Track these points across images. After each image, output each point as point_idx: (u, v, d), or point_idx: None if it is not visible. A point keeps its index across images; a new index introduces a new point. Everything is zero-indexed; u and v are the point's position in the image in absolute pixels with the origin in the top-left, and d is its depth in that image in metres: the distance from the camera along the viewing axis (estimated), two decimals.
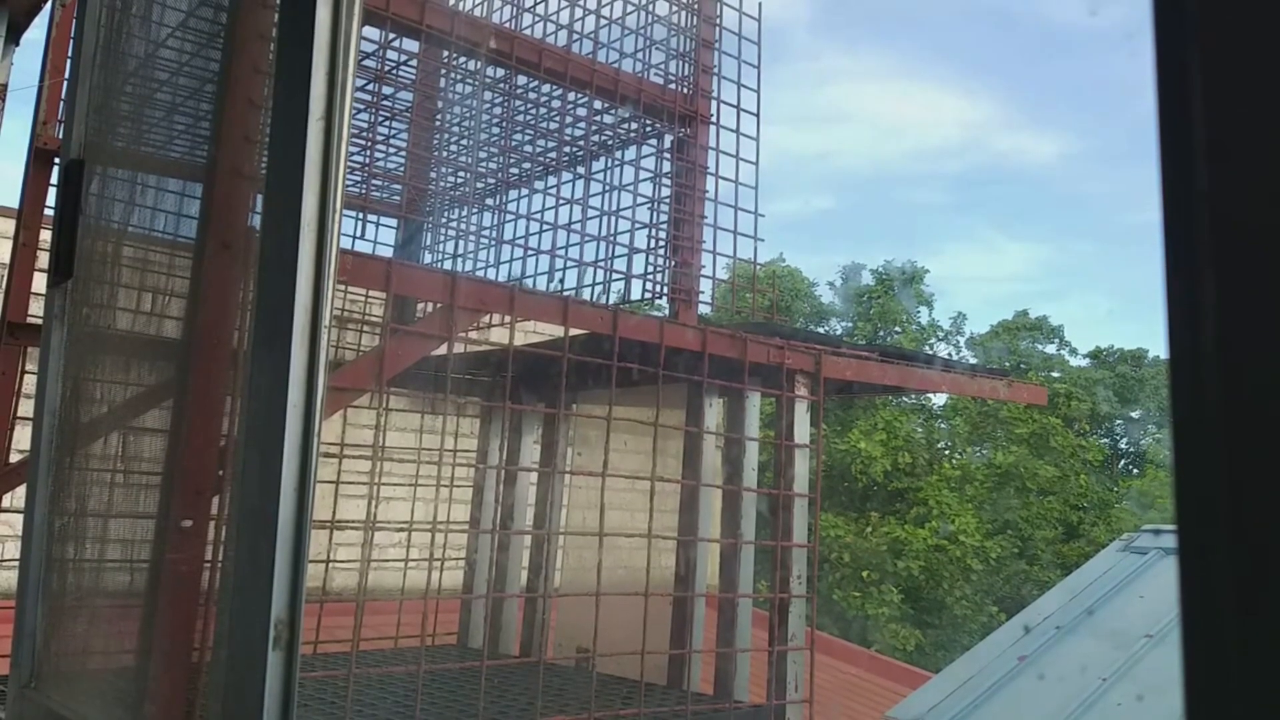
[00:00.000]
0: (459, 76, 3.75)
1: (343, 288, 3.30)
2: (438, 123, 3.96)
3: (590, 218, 3.36)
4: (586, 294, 3.32)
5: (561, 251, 3.34)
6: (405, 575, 3.32)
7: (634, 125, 3.56)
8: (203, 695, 1.53)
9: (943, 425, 25.41)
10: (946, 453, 24.75)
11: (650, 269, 3.40)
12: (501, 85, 3.59)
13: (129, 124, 2.19)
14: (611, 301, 3.33)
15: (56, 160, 3.33)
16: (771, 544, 3.31)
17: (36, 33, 3.59)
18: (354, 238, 3.78)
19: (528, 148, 3.86)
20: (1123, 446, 28.24)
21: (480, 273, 3.75)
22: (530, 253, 3.49)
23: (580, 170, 3.51)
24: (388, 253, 4.23)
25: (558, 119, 3.68)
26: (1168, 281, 0.49)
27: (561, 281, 3.44)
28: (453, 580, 4.12)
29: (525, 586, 4.12)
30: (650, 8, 3.52)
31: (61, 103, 3.57)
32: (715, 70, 3.53)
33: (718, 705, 3.18)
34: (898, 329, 25.83)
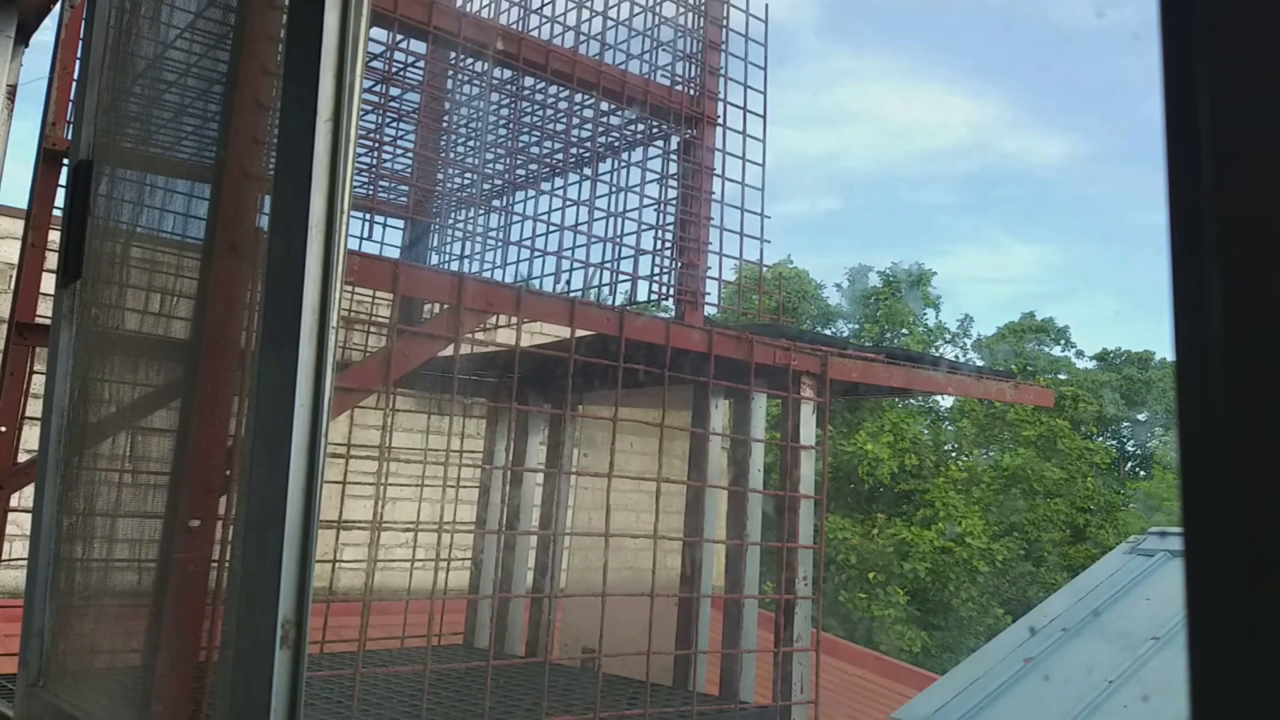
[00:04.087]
0: (466, 78, 3.76)
1: (350, 288, 3.30)
2: (445, 124, 3.97)
3: (597, 219, 3.36)
4: (593, 295, 3.33)
5: (568, 253, 3.34)
6: (411, 575, 3.33)
7: (640, 127, 3.56)
8: (210, 694, 1.54)
9: (949, 427, 25.37)
10: (953, 455, 24.71)
11: (656, 270, 3.40)
12: (508, 87, 3.60)
13: (137, 125, 2.20)
14: (618, 303, 3.33)
15: (65, 161, 3.34)
16: (777, 545, 3.31)
17: (45, 35, 3.60)
18: (361, 239, 3.79)
19: (534, 149, 3.87)
20: (1130, 449, 28.18)
21: (487, 274, 3.75)
22: (536, 254, 3.49)
23: (587, 172, 3.51)
24: (395, 254, 4.24)
25: (564, 120, 3.69)
26: (1174, 281, 0.49)
27: (568, 283, 3.44)
28: (459, 580, 4.13)
29: (531, 587, 4.12)
30: (657, 9, 3.52)
31: (70, 104, 3.58)
32: (722, 72, 3.53)
33: (723, 706, 3.18)
34: (904, 331, 25.79)
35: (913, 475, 22.51)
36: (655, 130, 3.52)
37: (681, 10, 3.54)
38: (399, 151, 4.12)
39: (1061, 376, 26.87)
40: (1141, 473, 27.10)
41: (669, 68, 3.51)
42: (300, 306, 1.22)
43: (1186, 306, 0.48)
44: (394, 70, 3.52)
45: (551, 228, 3.45)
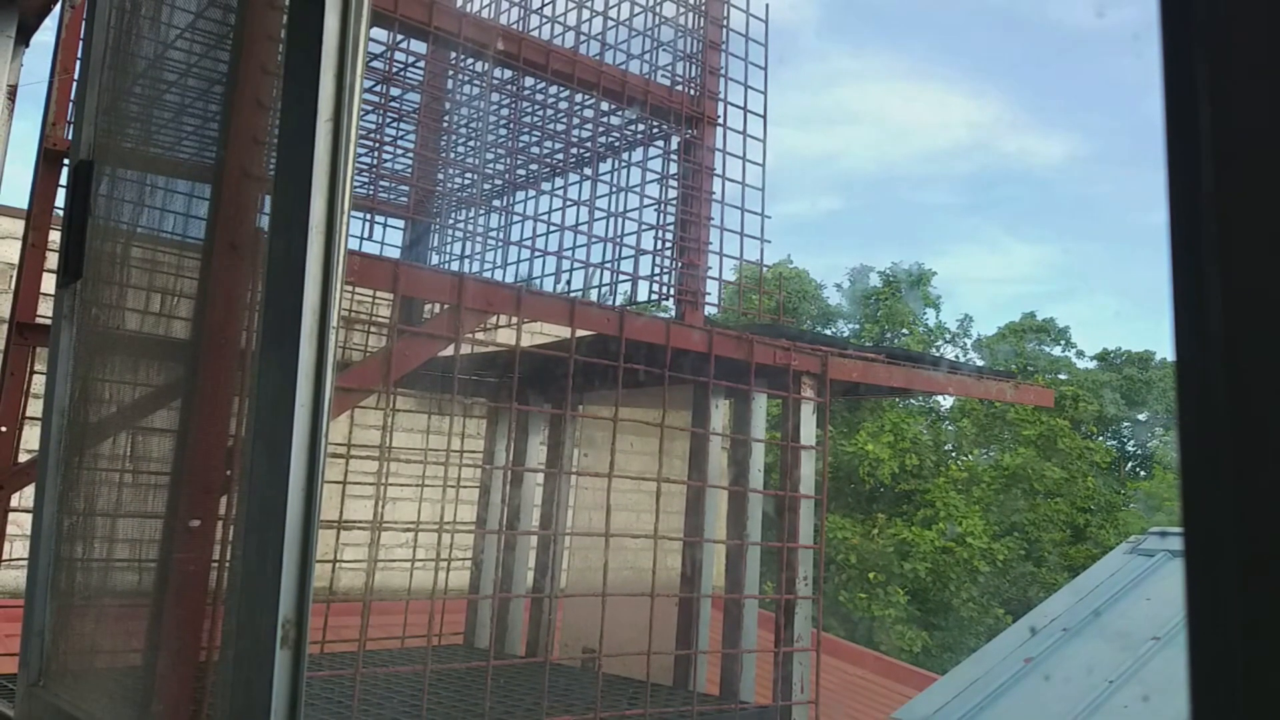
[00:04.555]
0: (466, 78, 3.76)
1: (350, 288, 3.30)
2: (445, 124, 3.97)
3: (597, 219, 3.36)
4: (593, 295, 3.33)
5: (568, 253, 3.34)
6: (412, 575, 3.33)
7: (641, 127, 3.56)
8: (210, 694, 1.54)
9: (950, 427, 25.37)
10: (953, 455, 24.71)
11: (657, 270, 3.40)
12: (509, 87, 3.60)
13: (138, 125, 2.20)
14: (618, 303, 3.33)
15: (65, 161, 3.34)
16: (777, 545, 3.31)
17: (46, 35, 3.61)
18: (361, 239, 3.79)
19: (534, 149, 3.87)
20: (1130, 449, 28.19)
21: (487, 274, 3.75)
22: (537, 254, 3.49)
23: (587, 172, 3.51)
24: (395, 254, 4.24)
25: (564, 120, 3.69)
26: (1174, 281, 0.49)
27: (568, 283, 3.44)
28: (459, 580, 4.13)
29: (531, 587, 4.12)
30: (657, 9, 3.52)
31: (70, 104, 3.58)
32: (722, 72, 3.53)
33: (723, 706, 3.18)
34: (905, 331, 25.80)
35: (913, 475, 22.51)
36: (655, 130, 3.52)
37: (682, 10, 3.54)
38: (399, 151, 4.12)
39: (1062, 376, 26.87)
40: (1142, 473, 27.10)
41: (669, 68, 3.51)
42: (300, 307, 1.22)
43: (1186, 306, 0.48)
44: (394, 70, 3.52)
45: (552, 228, 3.45)
